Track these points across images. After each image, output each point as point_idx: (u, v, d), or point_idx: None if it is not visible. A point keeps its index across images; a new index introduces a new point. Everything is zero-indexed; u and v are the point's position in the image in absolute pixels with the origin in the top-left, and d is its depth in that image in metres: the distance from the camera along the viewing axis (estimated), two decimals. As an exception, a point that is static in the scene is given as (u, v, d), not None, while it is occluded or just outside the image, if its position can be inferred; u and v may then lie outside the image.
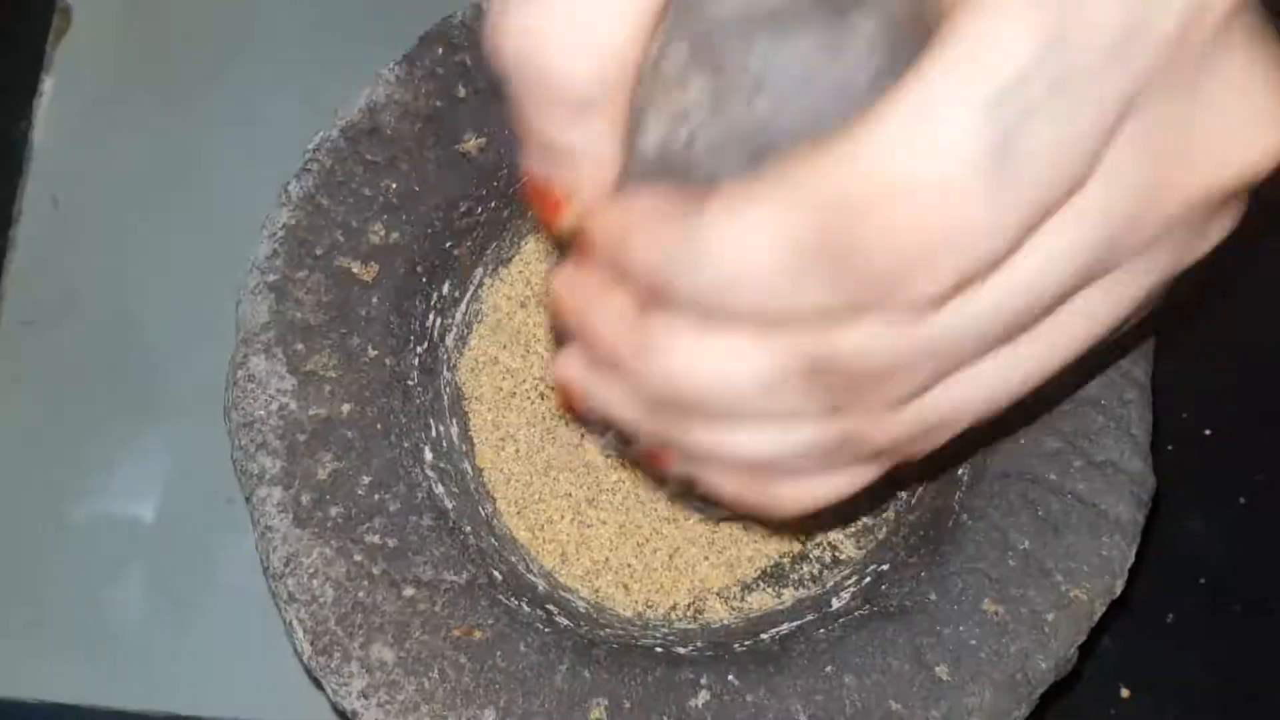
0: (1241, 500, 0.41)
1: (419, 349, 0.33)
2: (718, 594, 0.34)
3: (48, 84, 0.44)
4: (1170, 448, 0.40)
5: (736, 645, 0.30)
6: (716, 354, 0.20)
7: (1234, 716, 0.39)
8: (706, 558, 0.34)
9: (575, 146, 0.20)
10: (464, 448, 0.34)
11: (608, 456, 0.35)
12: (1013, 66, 0.17)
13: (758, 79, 0.19)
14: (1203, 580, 0.40)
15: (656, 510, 0.34)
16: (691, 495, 0.30)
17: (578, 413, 0.24)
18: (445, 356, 0.35)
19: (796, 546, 0.34)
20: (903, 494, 0.34)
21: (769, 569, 0.34)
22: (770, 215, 0.18)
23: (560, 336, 0.24)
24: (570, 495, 0.35)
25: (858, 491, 0.23)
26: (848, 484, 0.22)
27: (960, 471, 0.31)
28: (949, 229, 0.17)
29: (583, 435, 0.35)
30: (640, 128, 0.20)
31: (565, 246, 0.22)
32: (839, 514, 0.35)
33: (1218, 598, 0.40)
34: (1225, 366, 0.42)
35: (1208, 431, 0.42)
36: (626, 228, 0.20)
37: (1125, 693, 0.39)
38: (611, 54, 0.19)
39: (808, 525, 0.34)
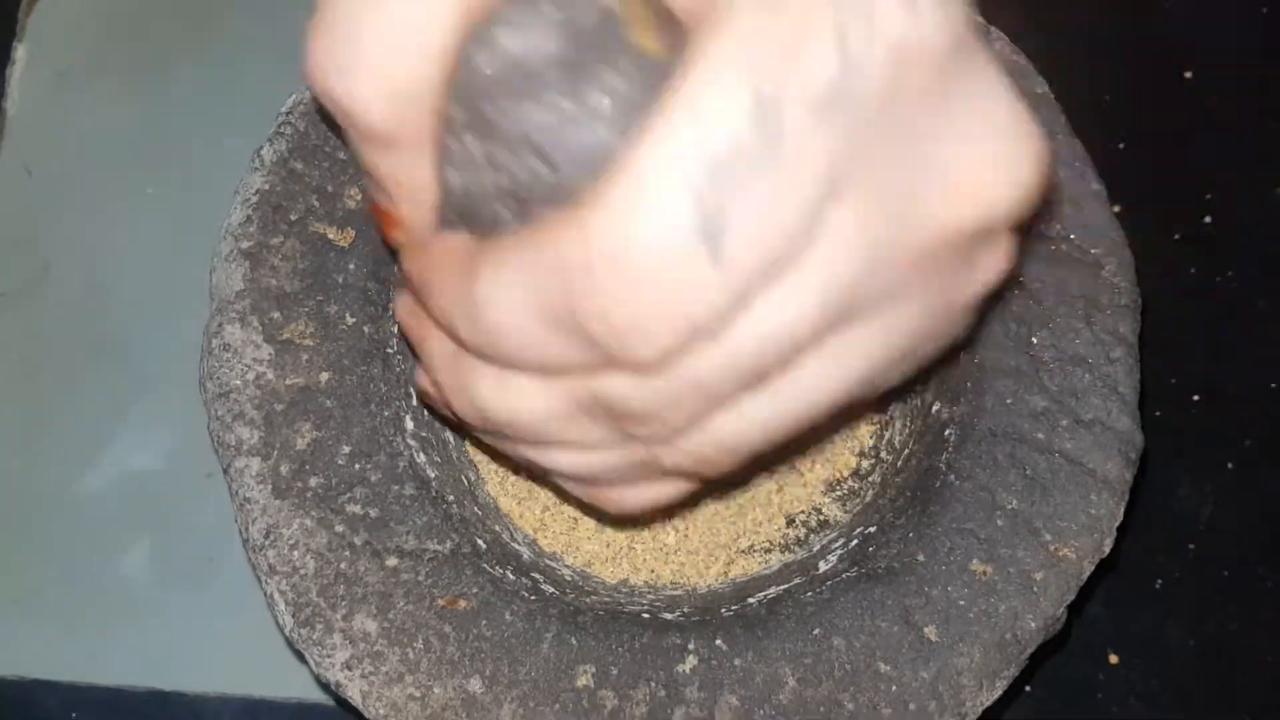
0: (1230, 465, 0.41)
1: (398, 317, 0.33)
2: (704, 559, 0.34)
3: (20, 52, 0.44)
4: (1159, 413, 0.40)
5: (723, 610, 0.30)
6: (511, 394, 0.22)
7: (1221, 682, 0.39)
8: (692, 525, 0.34)
9: (388, 174, 0.22)
10: (458, 433, 0.34)
11: None
12: (725, 137, 0.18)
13: (515, 140, 0.20)
14: (1191, 546, 0.40)
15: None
16: None
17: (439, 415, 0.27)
18: (426, 325, 0.34)
19: (784, 516, 0.34)
20: (887, 456, 0.34)
21: (755, 533, 0.34)
22: (517, 278, 0.20)
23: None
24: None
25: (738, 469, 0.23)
26: (671, 492, 0.24)
27: (947, 432, 0.31)
28: (665, 297, 0.18)
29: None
30: (445, 167, 0.22)
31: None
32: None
33: (1205, 564, 0.40)
34: (1213, 332, 0.42)
35: (1196, 397, 0.42)
36: (424, 275, 0.22)
37: (1113, 658, 0.39)
38: (405, 98, 0.21)
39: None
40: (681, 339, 0.19)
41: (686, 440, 0.21)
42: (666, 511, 0.31)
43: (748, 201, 0.18)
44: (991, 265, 0.22)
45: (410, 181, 0.22)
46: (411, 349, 0.25)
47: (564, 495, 0.33)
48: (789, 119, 0.18)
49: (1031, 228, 0.30)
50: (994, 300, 0.25)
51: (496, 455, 0.34)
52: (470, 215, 0.22)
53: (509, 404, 0.22)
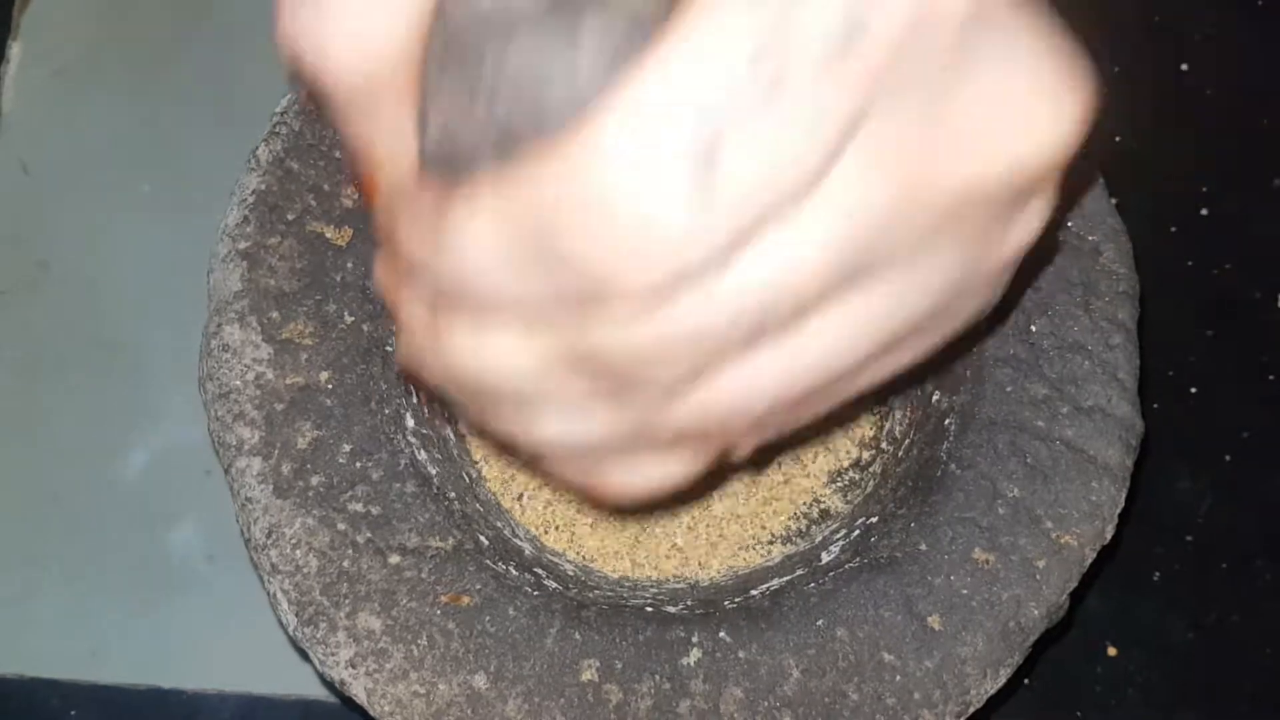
0: (1227, 458, 0.41)
1: (397, 315, 0.32)
2: (705, 552, 0.34)
3: (15, 50, 0.44)
4: (1157, 406, 0.40)
5: (727, 602, 0.30)
6: (488, 350, 0.20)
7: (1219, 675, 0.39)
8: (693, 518, 0.34)
9: (368, 136, 0.21)
10: (445, 413, 0.34)
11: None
12: (722, 76, 0.17)
13: (494, 82, 0.20)
14: (1189, 538, 0.40)
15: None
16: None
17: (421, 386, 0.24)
18: (424, 324, 0.34)
19: (785, 508, 0.34)
20: (888, 446, 0.34)
21: (756, 527, 0.34)
22: (492, 213, 0.18)
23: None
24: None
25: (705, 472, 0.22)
26: (677, 471, 0.22)
27: (947, 421, 0.31)
28: (649, 234, 0.17)
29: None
30: (425, 120, 0.21)
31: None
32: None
33: (1204, 556, 0.40)
34: (1210, 325, 0.42)
35: (1194, 389, 0.42)
36: (394, 223, 0.21)
37: (1112, 651, 0.39)
38: (381, 59, 0.20)
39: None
40: (669, 277, 0.18)
41: (686, 400, 0.20)
42: (674, 502, 0.30)
43: (743, 142, 0.17)
44: (1025, 225, 0.21)
45: (391, 141, 0.21)
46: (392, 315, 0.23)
47: (565, 490, 0.32)
48: (793, 66, 0.17)
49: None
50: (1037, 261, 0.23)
51: (498, 451, 0.34)
52: (448, 160, 0.21)
53: (487, 361, 0.20)
